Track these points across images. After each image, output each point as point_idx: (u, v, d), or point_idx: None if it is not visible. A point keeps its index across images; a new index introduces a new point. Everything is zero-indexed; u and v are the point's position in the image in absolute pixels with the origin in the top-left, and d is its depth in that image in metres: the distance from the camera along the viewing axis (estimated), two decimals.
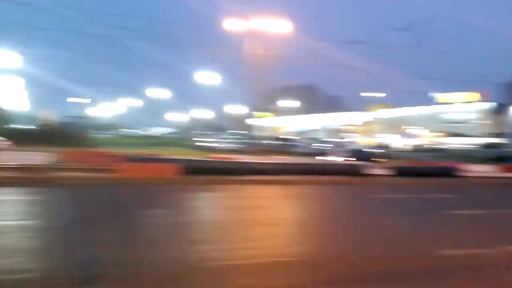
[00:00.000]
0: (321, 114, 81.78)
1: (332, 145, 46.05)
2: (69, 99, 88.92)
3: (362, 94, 75.52)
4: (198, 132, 68.34)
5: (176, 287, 5.48)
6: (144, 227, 9.30)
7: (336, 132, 75.25)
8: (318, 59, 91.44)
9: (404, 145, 60.65)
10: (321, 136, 68.21)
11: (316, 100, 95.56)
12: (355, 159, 30.09)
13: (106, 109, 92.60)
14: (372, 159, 30.28)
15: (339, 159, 31.32)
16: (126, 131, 78.54)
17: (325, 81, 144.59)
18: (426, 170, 24.61)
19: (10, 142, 31.34)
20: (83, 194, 14.35)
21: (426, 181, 21.64)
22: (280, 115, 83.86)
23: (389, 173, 22.73)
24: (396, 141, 62.94)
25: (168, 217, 10.40)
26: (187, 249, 7.39)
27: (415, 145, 59.52)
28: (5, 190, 14.01)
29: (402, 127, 68.66)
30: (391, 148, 52.20)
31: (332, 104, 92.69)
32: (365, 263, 6.92)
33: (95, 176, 17.56)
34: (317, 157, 34.60)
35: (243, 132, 62.35)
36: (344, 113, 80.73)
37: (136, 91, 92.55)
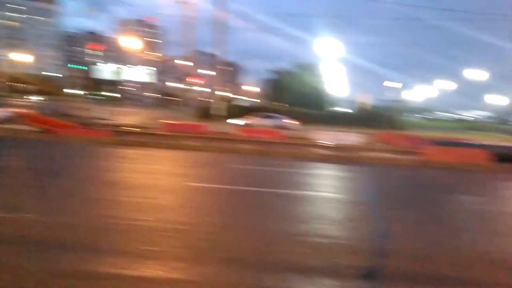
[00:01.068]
0: None
1: None
2: (385, 83, 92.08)
3: None
4: None
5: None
6: (444, 211, 9.21)
7: None
8: None
9: None
10: None
11: None
12: None
13: (419, 92, 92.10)
14: None
15: None
16: (438, 114, 76.49)
17: None
18: None
19: (298, 123, 35.10)
20: (388, 174, 15.10)
21: None
22: None
23: None
24: None
25: (471, 205, 10.02)
26: (485, 240, 7.08)
27: None
28: (322, 165, 16.04)
29: None
30: None
31: None
32: None
33: (400, 158, 18.13)
34: None
35: None
36: None
37: (450, 73, 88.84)
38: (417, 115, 70.21)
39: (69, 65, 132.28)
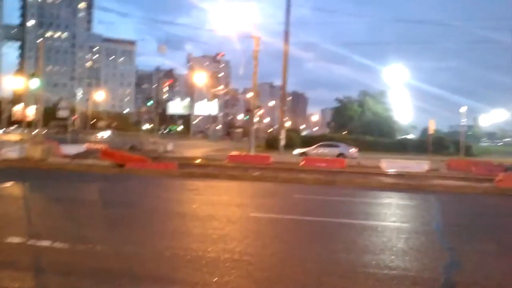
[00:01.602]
0: None
1: None
2: (455, 109, 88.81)
3: None
4: None
5: None
6: None
7: None
8: None
9: None
10: None
11: None
12: None
13: (488, 117, 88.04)
14: None
15: None
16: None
17: None
18: None
19: (356, 150, 34.66)
20: (458, 202, 14.51)
21: None
22: None
23: None
24: None
25: None
26: None
27: None
28: (387, 194, 15.69)
29: None
30: None
31: None
32: None
33: (471, 185, 17.39)
34: None
35: None
36: None
37: None
38: (488, 141, 66.86)
39: (143, 101, 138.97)
